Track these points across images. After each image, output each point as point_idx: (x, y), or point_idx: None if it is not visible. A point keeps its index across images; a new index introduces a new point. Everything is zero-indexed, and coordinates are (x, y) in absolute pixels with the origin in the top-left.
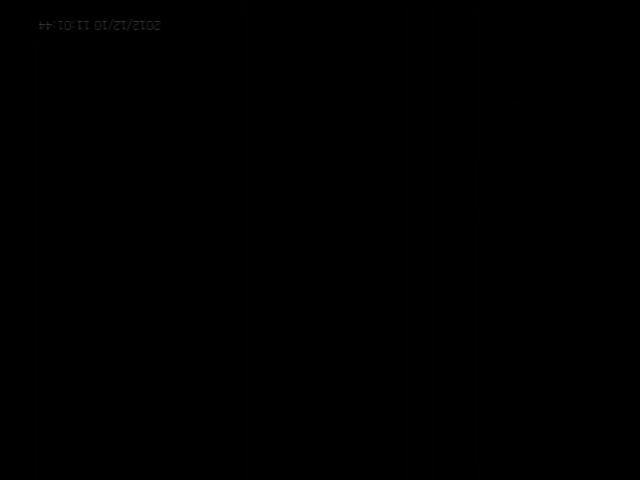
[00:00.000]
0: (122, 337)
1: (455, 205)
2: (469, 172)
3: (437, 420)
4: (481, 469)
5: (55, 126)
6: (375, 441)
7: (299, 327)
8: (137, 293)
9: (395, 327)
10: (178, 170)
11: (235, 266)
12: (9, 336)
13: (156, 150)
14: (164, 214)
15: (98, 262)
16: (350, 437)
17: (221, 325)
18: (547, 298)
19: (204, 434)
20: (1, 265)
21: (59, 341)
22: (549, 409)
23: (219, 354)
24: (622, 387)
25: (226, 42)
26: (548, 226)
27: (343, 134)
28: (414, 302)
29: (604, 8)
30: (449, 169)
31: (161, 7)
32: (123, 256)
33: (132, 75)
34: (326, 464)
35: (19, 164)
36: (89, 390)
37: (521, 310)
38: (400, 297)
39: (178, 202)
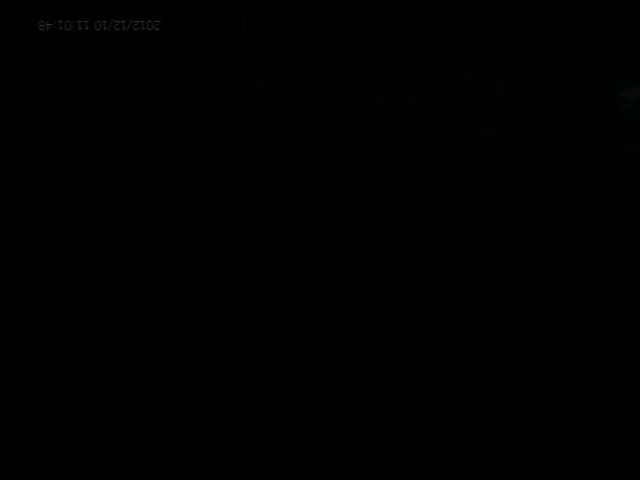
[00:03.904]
0: (122, 337)
1: (455, 205)
2: (469, 172)
3: (437, 420)
4: (481, 469)
5: (55, 126)
6: (375, 441)
7: (299, 327)
8: (137, 292)
9: (395, 327)
10: (178, 170)
11: (235, 266)
12: (9, 336)
13: (156, 150)
14: (164, 214)
15: (97, 261)
16: (350, 437)
17: (221, 325)
18: (546, 299)
19: (204, 434)
20: (1, 265)
21: (59, 340)
22: (548, 408)
23: (219, 354)
24: (621, 386)
25: (226, 42)
26: (547, 227)
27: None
28: (414, 302)
29: (602, 8)
30: (449, 170)
31: (161, 7)
32: (123, 255)
33: (132, 75)
34: (326, 464)
35: (18, 164)
36: (88, 389)
37: (521, 310)
38: (399, 297)
39: (178, 202)
